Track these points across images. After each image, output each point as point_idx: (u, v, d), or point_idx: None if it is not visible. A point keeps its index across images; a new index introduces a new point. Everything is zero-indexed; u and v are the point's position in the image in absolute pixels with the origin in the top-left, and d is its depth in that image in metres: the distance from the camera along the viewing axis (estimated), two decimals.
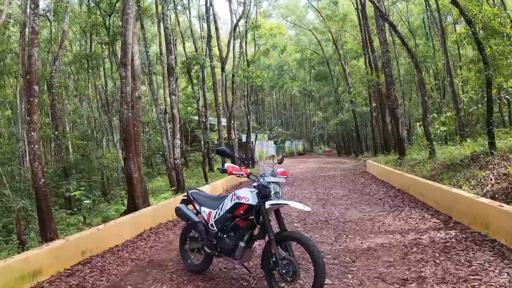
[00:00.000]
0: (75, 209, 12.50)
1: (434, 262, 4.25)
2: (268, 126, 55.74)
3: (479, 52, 8.82)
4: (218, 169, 4.27)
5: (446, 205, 6.63)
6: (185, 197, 4.78)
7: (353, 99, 28.20)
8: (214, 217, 4.16)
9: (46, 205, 7.83)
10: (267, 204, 3.61)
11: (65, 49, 24.43)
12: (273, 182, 3.74)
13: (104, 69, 26.55)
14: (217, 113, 21.12)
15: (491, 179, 6.97)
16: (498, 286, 3.52)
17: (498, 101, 12.58)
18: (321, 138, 67.65)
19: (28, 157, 18.10)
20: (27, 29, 17.91)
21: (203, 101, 22.69)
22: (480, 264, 4.07)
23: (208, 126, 22.09)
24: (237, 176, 3.93)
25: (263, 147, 39.57)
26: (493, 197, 5.98)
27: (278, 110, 63.95)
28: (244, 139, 30.40)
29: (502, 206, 4.89)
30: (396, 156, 15.09)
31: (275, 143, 43.92)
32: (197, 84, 26.19)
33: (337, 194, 10.18)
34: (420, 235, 5.42)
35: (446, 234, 5.35)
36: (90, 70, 24.20)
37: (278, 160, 4.32)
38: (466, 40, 9.37)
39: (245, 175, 3.93)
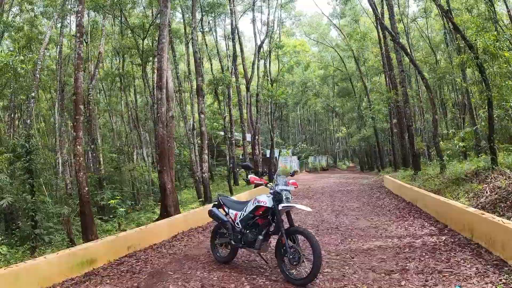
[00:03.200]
0: (111, 216, 13.76)
1: (419, 259, 5.11)
2: (292, 142, 56.47)
3: (480, 74, 9.61)
4: (243, 179, 5.57)
5: (443, 215, 7.41)
6: (216, 202, 5.91)
7: (373, 116, 28.77)
8: (240, 217, 5.30)
9: (89, 210, 9.03)
10: (280, 206, 4.73)
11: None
12: (284, 190, 4.86)
13: (134, 85, 28.14)
14: (242, 130, 22.24)
15: (486, 192, 7.70)
16: (465, 276, 4.35)
17: (507, 118, 13.12)
18: (345, 153, 67.79)
19: (61, 167, 19.62)
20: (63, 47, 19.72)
21: (228, 117, 23.84)
22: (457, 261, 4.90)
23: (233, 141, 23.19)
24: (257, 185, 5.06)
25: (287, 162, 40.19)
26: (483, 208, 6.74)
27: (302, 125, 64.77)
28: (268, 155, 31.38)
29: (483, 214, 5.69)
30: (412, 171, 15.71)
31: (298, 159, 44.50)
32: (223, 101, 27.47)
33: (351, 206, 11.02)
34: (415, 239, 6.26)
35: (437, 238, 6.16)
36: (122, 88, 25.84)
37: (290, 173, 5.53)
38: (469, 63, 10.16)
39: (264, 184, 5.11)
